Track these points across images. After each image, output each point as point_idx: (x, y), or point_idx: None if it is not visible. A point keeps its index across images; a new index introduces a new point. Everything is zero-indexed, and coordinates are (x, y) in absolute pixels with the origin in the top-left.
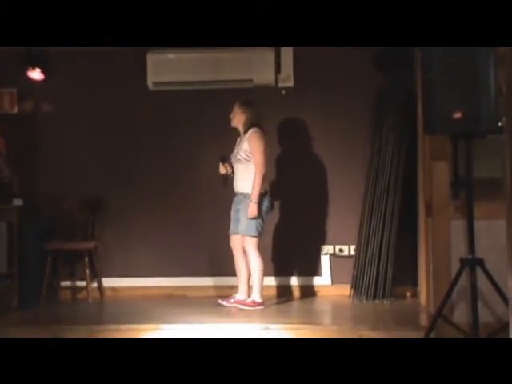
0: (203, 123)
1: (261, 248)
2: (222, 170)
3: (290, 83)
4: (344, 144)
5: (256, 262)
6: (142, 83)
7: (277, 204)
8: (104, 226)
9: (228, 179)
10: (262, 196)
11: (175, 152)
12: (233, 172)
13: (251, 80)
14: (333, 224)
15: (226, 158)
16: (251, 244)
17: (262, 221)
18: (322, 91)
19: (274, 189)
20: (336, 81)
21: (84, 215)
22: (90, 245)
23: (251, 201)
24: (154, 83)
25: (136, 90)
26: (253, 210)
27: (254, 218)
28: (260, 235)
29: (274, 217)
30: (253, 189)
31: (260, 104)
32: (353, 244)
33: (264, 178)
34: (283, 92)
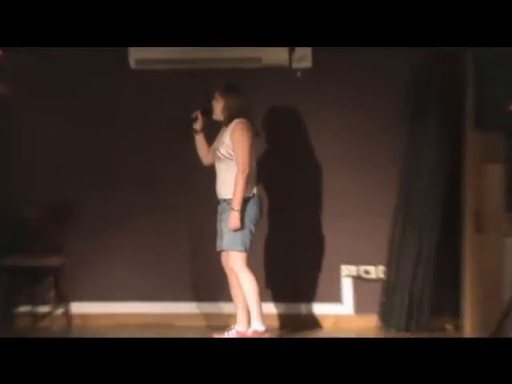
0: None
1: (257, 268)
2: (198, 124)
3: (307, 63)
4: (371, 141)
5: (248, 282)
6: (121, 61)
7: (282, 213)
8: (73, 238)
9: (199, 136)
10: (247, 201)
11: (163, 148)
12: (205, 112)
13: (259, 59)
14: (356, 239)
15: (209, 112)
16: (238, 261)
17: (250, 232)
18: (346, 74)
19: (281, 193)
20: (363, 62)
21: (49, 225)
22: (56, 261)
23: (232, 208)
24: (137, 61)
25: (114, 69)
26: (234, 219)
27: (238, 230)
28: (248, 249)
29: (281, 228)
30: (234, 193)
31: (269, 88)
32: (381, 264)
33: (249, 180)
34: (298, 74)
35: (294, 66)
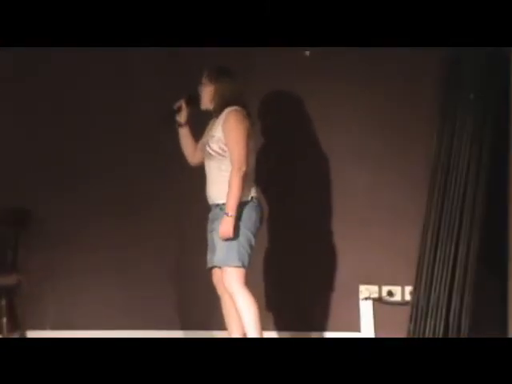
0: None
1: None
2: (183, 116)
3: None
4: (396, 136)
5: (246, 306)
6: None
7: (286, 221)
8: (31, 251)
9: (182, 128)
10: (244, 206)
11: (139, 144)
12: (190, 101)
13: None
14: (378, 253)
15: (196, 101)
16: (234, 279)
17: (249, 244)
18: (366, 56)
19: (284, 197)
20: None
21: (0, 234)
22: (10, 280)
23: (226, 214)
24: None
25: (92, 52)
26: (226, 225)
27: (232, 239)
28: (246, 265)
29: (285, 239)
30: (228, 196)
31: (270, 71)
32: (408, 284)
33: (246, 179)
34: (307, 53)
35: None
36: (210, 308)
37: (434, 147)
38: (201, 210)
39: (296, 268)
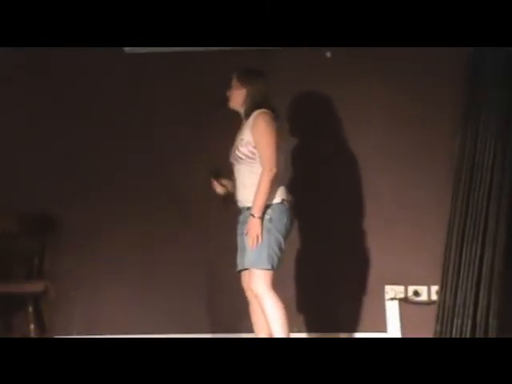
0: (204, 103)
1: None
2: (219, 188)
3: None
4: (419, 134)
5: (273, 309)
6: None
7: (312, 222)
8: (58, 258)
9: (229, 199)
10: (274, 208)
11: (163, 147)
12: (217, 174)
13: None
14: (403, 253)
15: (220, 172)
16: (261, 281)
17: (279, 247)
18: (389, 56)
19: (303, 198)
20: None
21: (27, 242)
22: (37, 287)
23: (252, 215)
24: None
25: (104, 53)
26: (254, 228)
27: (262, 242)
28: (275, 267)
29: (312, 240)
30: (256, 196)
31: (292, 72)
32: (435, 284)
33: (275, 181)
34: (328, 54)
35: None
36: (238, 311)
37: (458, 147)
38: (232, 213)
39: (322, 269)
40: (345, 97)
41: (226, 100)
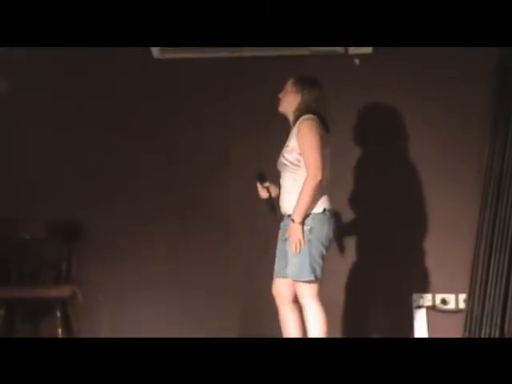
0: (235, 109)
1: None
2: (263, 193)
3: (367, 48)
4: (447, 142)
5: (316, 316)
6: (142, 48)
7: (342, 229)
8: (85, 263)
9: (276, 204)
10: (316, 217)
11: (193, 153)
12: (263, 178)
13: None
14: (431, 262)
15: (265, 176)
16: (308, 292)
17: (321, 256)
18: (416, 61)
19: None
20: None
21: (55, 247)
22: (64, 291)
23: (292, 220)
24: (162, 48)
25: (133, 58)
26: (294, 232)
27: (304, 252)
28: (319, 278)
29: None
30: (298, 202)
31: (321, 79)
32: (463, 292)
33: (319, 188)
34: (356, 61)
35: (352, 51)
36: (268, 317)
37: (486, 155)
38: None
39: (351, 277)
40: (369, 104)
41: (276, 102)
